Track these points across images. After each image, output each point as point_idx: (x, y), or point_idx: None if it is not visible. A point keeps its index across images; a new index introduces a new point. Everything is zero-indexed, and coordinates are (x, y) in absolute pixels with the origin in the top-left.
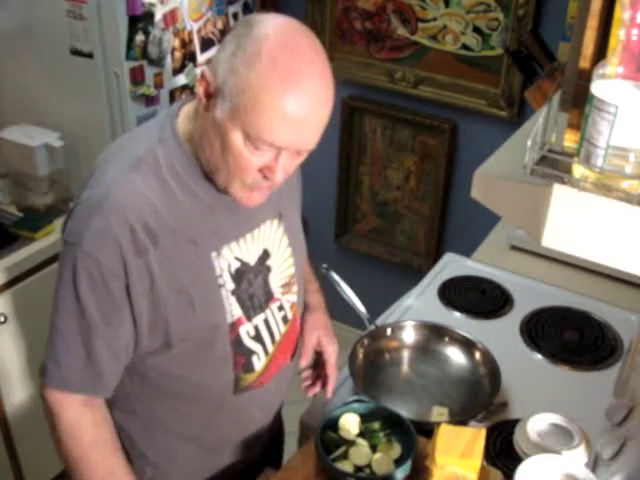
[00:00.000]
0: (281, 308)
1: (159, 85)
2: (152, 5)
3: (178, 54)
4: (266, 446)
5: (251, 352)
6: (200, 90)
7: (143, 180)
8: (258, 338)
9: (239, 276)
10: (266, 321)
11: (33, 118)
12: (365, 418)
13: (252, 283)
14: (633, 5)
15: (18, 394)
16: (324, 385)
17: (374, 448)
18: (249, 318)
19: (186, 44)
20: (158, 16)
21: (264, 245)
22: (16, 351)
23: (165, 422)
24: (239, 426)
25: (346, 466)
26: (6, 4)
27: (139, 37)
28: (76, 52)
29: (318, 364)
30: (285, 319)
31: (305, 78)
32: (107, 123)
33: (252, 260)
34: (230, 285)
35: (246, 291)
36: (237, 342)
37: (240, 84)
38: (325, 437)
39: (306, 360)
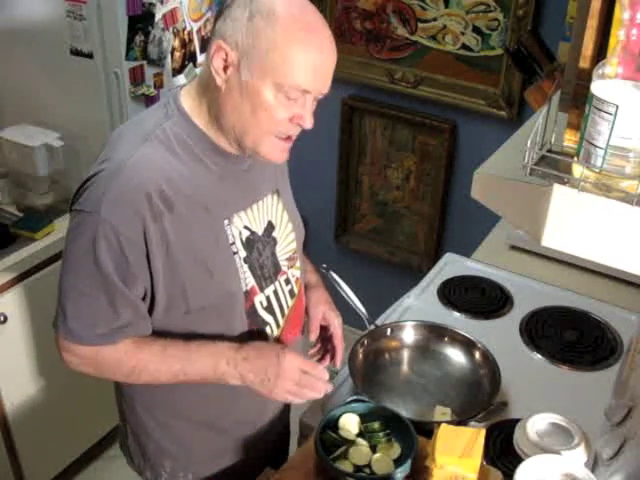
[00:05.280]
0: (288, 282)
1: (159, 85)
2: (152, 5)
3: (178, 54)
4: (275, 438)
5: (265, 323)
6: (217, 64)
7: (155, 151)
8: (270, 309)
9: (250, 245)
10: (276, 293)
11: (33, 118)
12: (365, 418)
13: (261, 253)
14: (633, 5)
15: (18, 394)
16: (332, 358)
17: (374, 448)
18: (261, 289)
19: (186, 44)
20: (158, 16)
21: (268, 217)
22: (16, 351)
23: (182, 410)
24: (255, 405)
25: (346, 466)
26: (6, 4)
27: (139, 37)
28: (76, 52)
29: (324, 338)
30: (292, 293)
31: (319, 28)
32: (107, 123)
33: (259, 230)
34: (242, 253)
35: (257, 260)
36: (252, 312)
37: (266, 44)
38: (325, 437)
39: (314, 335)
